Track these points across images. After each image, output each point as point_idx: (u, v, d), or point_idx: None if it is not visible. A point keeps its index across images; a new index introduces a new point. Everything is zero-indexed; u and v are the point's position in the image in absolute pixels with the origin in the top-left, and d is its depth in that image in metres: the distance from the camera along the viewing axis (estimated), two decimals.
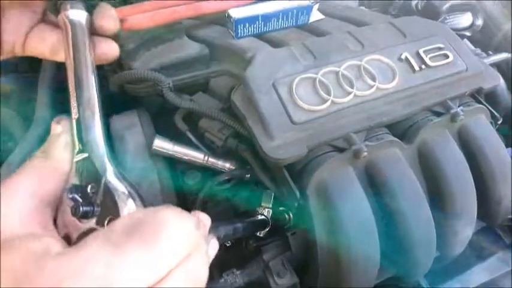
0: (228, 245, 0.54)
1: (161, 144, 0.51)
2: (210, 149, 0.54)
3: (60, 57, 0.36)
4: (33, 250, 0.21)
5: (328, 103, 0.45)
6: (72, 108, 0.31)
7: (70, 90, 0.32)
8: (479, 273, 0.54)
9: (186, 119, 0.55)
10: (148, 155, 0.52)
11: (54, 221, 0.27)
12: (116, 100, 0.56)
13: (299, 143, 0.44)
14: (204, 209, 0.52)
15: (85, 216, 0.26)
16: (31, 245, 0.22)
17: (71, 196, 0.26)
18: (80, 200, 0.27)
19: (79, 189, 0.27)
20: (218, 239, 0.37)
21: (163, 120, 0.57)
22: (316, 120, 0.45)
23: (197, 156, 0.53)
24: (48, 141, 0.30)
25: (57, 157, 0.28)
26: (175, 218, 0.23)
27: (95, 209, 0.27)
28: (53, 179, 0.28)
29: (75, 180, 0.28)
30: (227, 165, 0.54)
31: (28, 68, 0.66)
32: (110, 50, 0.36)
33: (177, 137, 0.53)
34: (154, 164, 0.51)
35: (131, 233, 0.21)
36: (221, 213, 0.55)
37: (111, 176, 0.28)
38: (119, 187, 0.28)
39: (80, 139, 0.29)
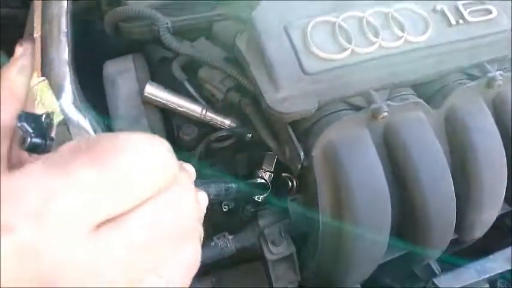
0: (225, 209, 0.50)
1: (153, 91, 0.46)
2: (210, 102, 0.49)
3: None
4: None
5: (348, 52, 0.39)
6: (35, 26, 0.26)
7: (35, 4, 0.27)
8: (498, 261, 0.48)
9: (185, 68, 0.50)
10: (140, 102, 0.47)
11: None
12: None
13: (309, 97, 0.38)
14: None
15: (34, 149, 0.22)
16: None
17: (19, 124, 0.22)
18: (30, 130, 0.22)
19: (31, 117, 0.22)
20: (208, 196, 0.33)
21: (164, 72, 0.52)
22: (332, 71, 0.39)
23: (194, 108, 0.48)
24: (6, 64, 0.25)
25: (9, 79, 0.24)
26: (141, 139, 0.17)
27: (47, 142, 0.22)
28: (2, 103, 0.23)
29: (32, 109, 0.24)
30: (227, 122, 0.49)
31: (20, 3, 0.61)
32: None
33: (178, 91, 0.48)
34: (146, 112, 0.46)
35: (79, 152, 0.16)
36: (217, 174, 0.51)
37: (68, 104, 0.23)
38: (76, 118, 0.23)
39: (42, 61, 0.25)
